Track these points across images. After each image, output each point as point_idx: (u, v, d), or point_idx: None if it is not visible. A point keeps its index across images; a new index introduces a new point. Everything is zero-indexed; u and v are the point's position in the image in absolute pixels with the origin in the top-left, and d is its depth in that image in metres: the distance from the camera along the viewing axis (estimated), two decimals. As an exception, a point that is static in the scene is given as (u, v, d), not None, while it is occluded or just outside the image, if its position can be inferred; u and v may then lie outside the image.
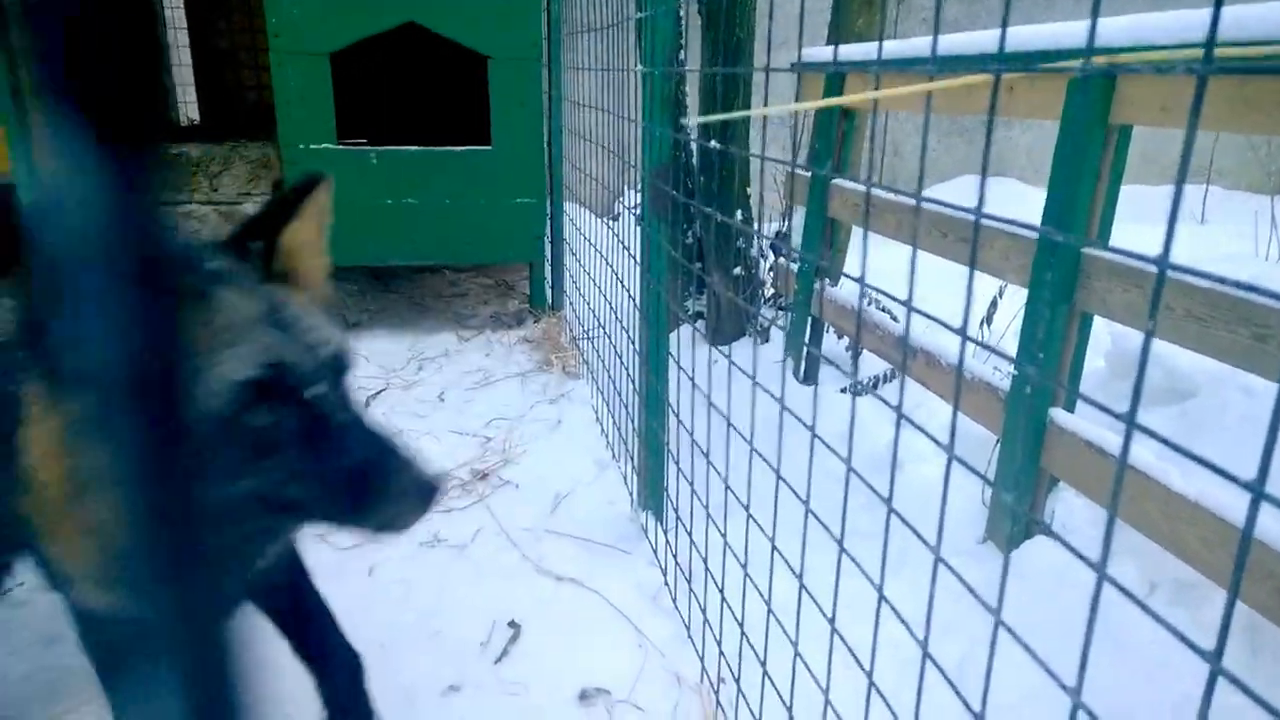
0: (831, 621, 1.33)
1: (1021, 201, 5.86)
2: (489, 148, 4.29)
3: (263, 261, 1.08)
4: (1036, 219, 2.38)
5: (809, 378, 3.76)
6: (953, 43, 2.61)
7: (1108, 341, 3.05)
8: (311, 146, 4.05)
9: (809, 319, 3.77)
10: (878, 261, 1.17)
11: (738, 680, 1.79)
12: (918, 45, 2.94)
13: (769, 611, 1.62)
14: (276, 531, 1.13)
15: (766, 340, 4.08)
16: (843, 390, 3.54)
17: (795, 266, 3.81)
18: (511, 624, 2.21)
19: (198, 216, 4.44)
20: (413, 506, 0.99)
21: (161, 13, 5.78)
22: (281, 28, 3.82)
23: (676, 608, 2.25)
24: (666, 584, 2.35)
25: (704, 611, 2.01)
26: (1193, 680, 1.81)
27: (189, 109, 6.08)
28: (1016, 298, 2.63)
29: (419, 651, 2.10)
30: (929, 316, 1.04)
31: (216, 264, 1.01)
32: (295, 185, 1.16)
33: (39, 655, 2.02)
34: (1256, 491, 0.46)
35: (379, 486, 0.96)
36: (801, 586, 1.44)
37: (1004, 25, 0.84)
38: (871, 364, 3.66)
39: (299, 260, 1.12)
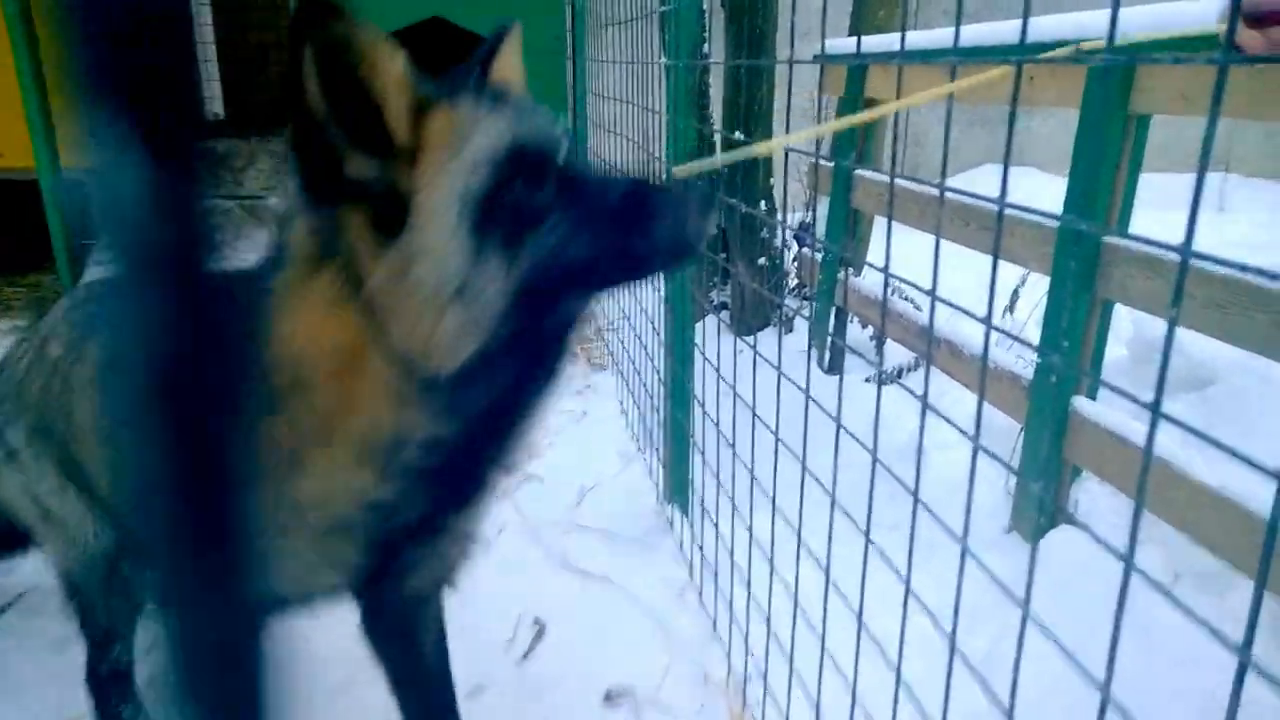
0: (859, 616, 1.34)
1: (1042, 190, 5.80)
2: (511, 141, 4.31)
3: (488, 85, 1.10)
4: (1057, 208, 2.37)
5: (834, 368, 3.77)
6: (974, 33, 2.60)
7: (1129, 329, 3.04)
8: (336, 142, 4.08)
9: (833, 309, 3.77)
10: (900, 250, 1.18)
11: (765, 679, 1.81)
12: (939, 36, 2.94)
13: (795, 606, 1.63)
14: (557, 338, 1.09)
15: (791, 330, 4.09)
16: (867, 380, 3.54)
17: (819, 256, 3.81)
18: (536, 621, 2.23)
19: (222, 211, 4.50)
20: (699, 215, 0.99)
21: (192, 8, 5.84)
22: (305, 24, 3.86)
23: (703, 604, 2.27)
24: (692, 579, 2.37)
25: (730, 607, 2.02)
26: (1220, 671, 1.81)
27: (214, 104, 6.15)
28: (1039, 286, 2.63)
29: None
30: (953, 306, 1.06)
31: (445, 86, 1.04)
32: (493, 33, 1.20)
33: (51, 660, 2.01)
34: (1280, 482, 0.48)
35: (658, 211, 0.98)
36: (828, 580, 1.45)
37: (1025, 16, 0.85)
38: (896, 353, 3.66)
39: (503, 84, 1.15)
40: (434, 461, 1.06)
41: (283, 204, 1.09)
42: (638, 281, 1.05)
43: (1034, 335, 2.75)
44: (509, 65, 1.18)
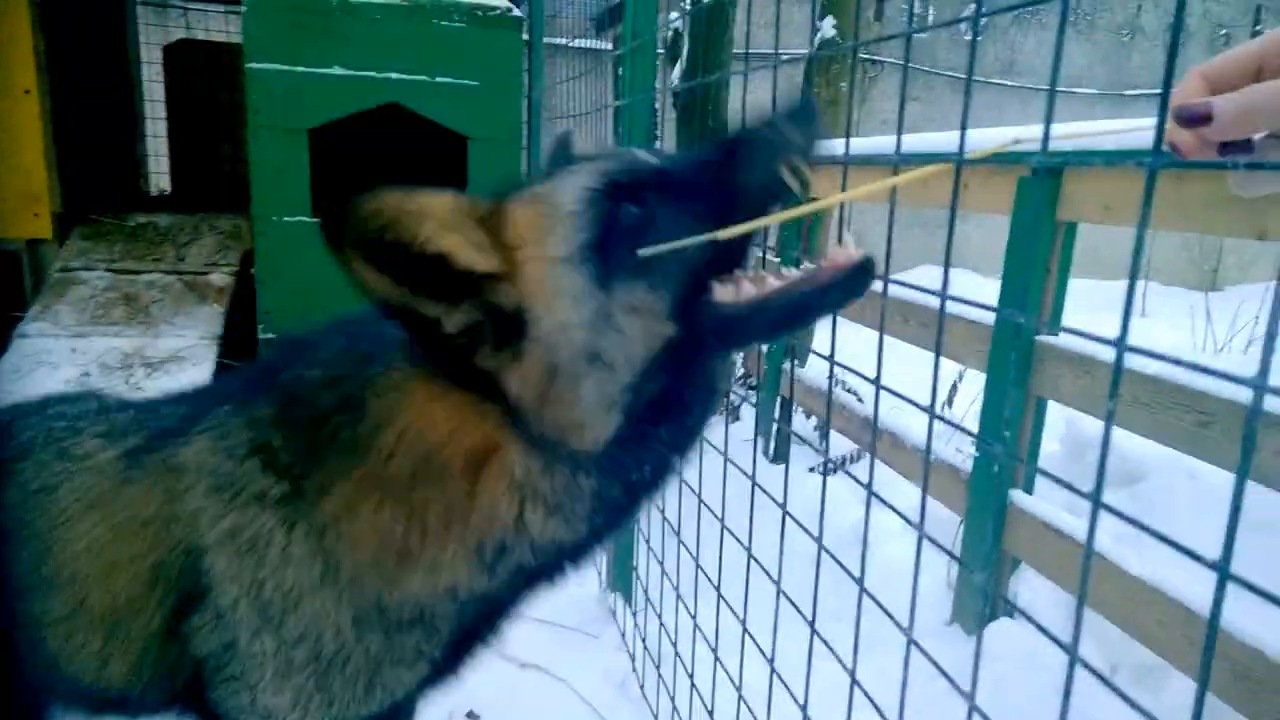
0: (804, 709, 1.32)
1: (978, 291, 6.03)
2: (463, 225, 4.35)
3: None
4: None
5: (779, 456, 3.80)
6: (914, 141, 2.74)
7: (1061, 426, 3.14)
8: (285, 219, 4.08)
9: (778, 399, 3.83)
10: (842, 344, 1.21)
11: (708, 771, 1.76)
12: (880, 143, 3.08)
13: (740, 699, 1.60)
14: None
15: (737, 419, 4.12)
16: (811, 469, 3.57)
17: (764, 347, 3.88)
18: (470, 715, 2.15)
19: (161, 285, 4.42)
20: (806, 120, 0.94)
21: (139, 82, 5.85)
22: (262, 103, 3.89)
23: (645, 696, 2.21)
24: (635, 670, 2.31)
25: (673, 700, 1.98)
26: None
27: (161, 179, 6.10)
28: (975, 382, 2.71)
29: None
30: (900, 395, 1.08)
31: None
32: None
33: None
34: (1223, 571, 0.49)
35: (759, 135, 0.93)
36: (773, 671, 1.44)
37: (964, 126, 0.90)
38: (839, 444, 3.71)
39: None
40: (547, 561, 1.04)
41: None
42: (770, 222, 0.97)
43: (972, 427, 2.82)
44: None
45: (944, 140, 2.64)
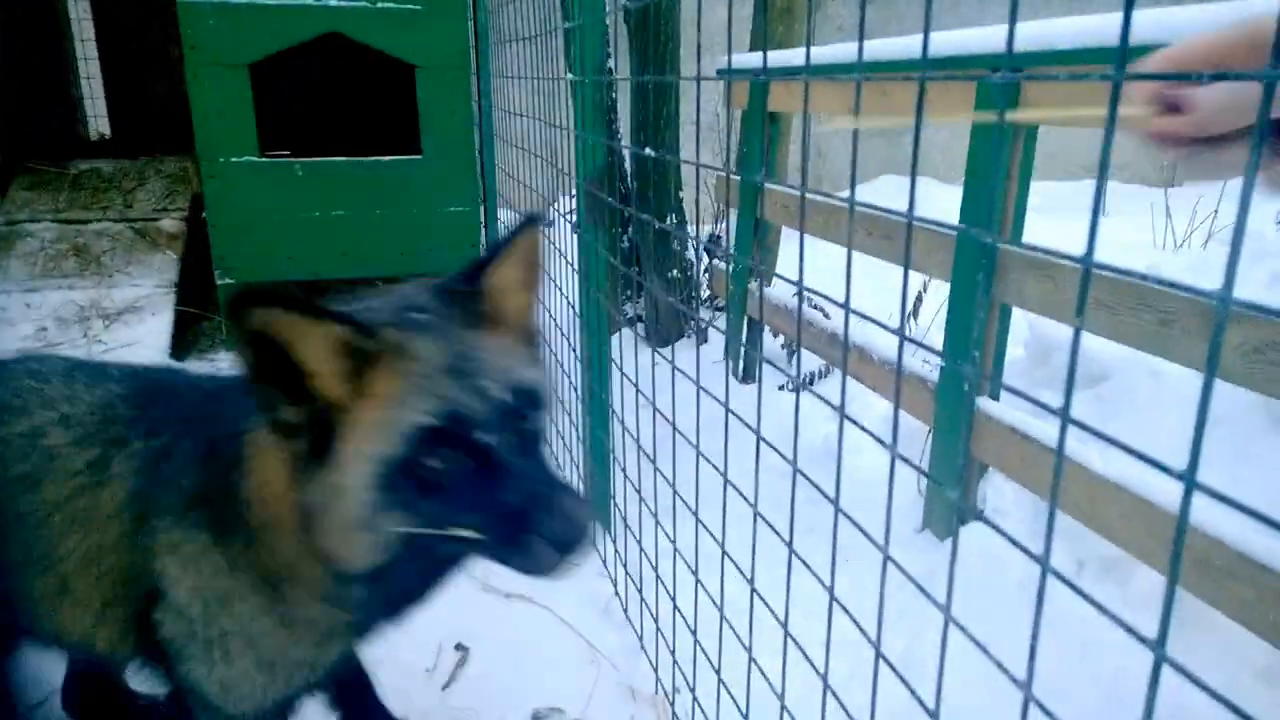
0: (784, 624, 1.35)
1: (940, 199, 6.04)
2: (419, 157, 4.24)
3: (468, 304, 1.15)
4: (953, 215, 2.47)
5: (749, 376, 3.82)
6: (872, 50, 2.69)
7: (1025, 331, 3.17)
8: (232, 160, 3.95)
9: (745, 319, 3.83)
10: (807, 258, 1.21)
11: (693, 689, 1.81)
12: (839, 52, 3.02)
13: (721, 617, 1.64)
14: (451, 561, 1.24)
15: (706, 340, 4.13)
16: (780, 387, 3.60)
17: (729, 268, 3.86)
18: (459, 647, 2.18)
19: (111, 234, 4.28)
20: (548, 560, 1.06)
21: (69, 24, 5.55)
22: (197, 39, 3.71)
23: (628, 618, 2.26)
24: (617, 594, 2.36)
25: (656, 621, 2.02)
26: (1124, 655, 1.90)
27: (99, 123, 5.86)
28: (940, 291, 2.72)
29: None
30: (866, 318, 1.08)
31: (418, 313, 1.10)
32: (509, 230, 1.25)
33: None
34: (1189, 481, 0.50)
35: (522, 534, 1.05)
36: (753, 591, 1.46)
37: (926, 32, 0.87)
38: (806, 360, 3.73)
39: (503, 300, 1.19)
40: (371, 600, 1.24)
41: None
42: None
43: (937, 338, 2.85)
44: (514, 270, 1.22)
45: (902, 46, 2.59)
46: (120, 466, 1.33)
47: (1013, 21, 0.75)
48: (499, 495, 1.06)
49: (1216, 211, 5.11)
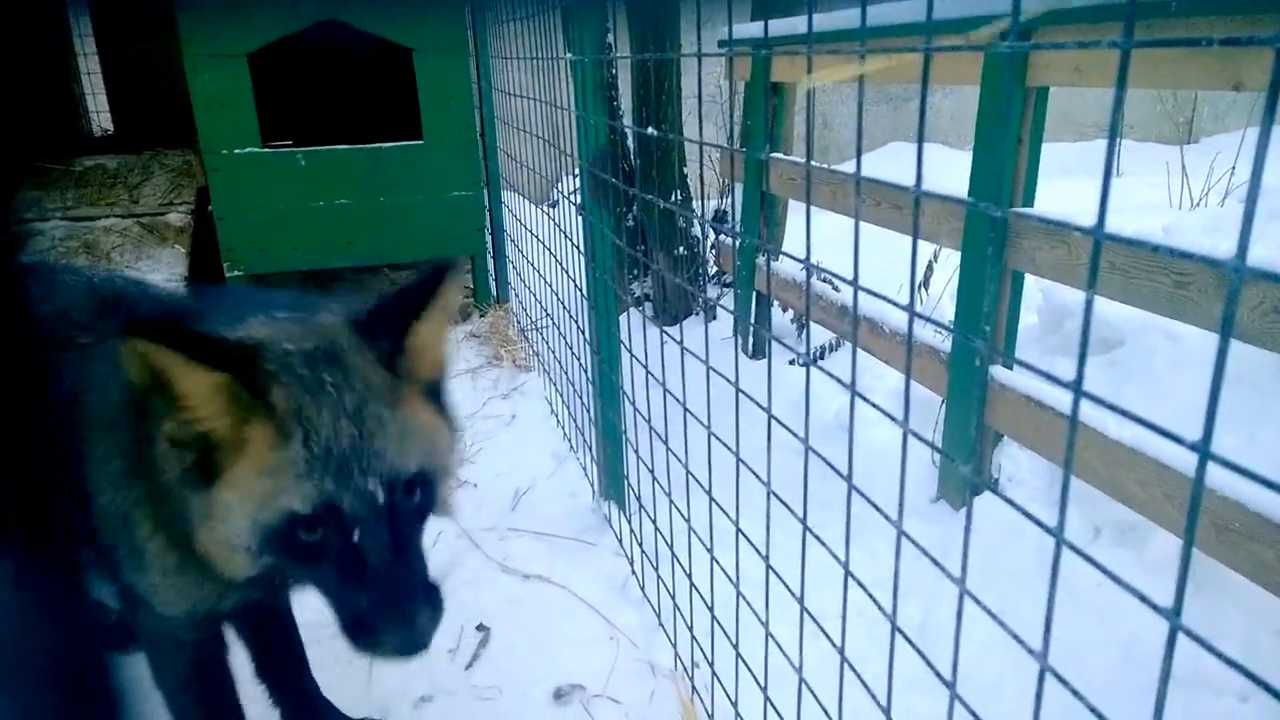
0: (800, 599, 1.35)
1: (949, 165, 5.97)
2: (420, 142, 4.22)
3: (382, 360, 1.16)
4: (963, 182, 2.44)
5: (758, 352, 3.81)
6: (875, 14, 2.65)
7: (1038, 297, 3.14)
8: (235, 151, 3.94)
9: (753, 294, 3.81)
10: (816, 231, 1.19)
11: (711, 664, 1.82)
12: (843, 19, 2.97)
13: (737, 593, 1.64)
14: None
15: (714, 317, 4.11)
16: (791, 362, 3.59)
17: (736, 243, 3.84)
18: (480, 627, 2.20)
19: (119, 230, 4.28)
20: (383, 653, 1.13)
21: (68, 20, 5.53)
22: (195, 31, 3.70)
23: (646, 596, 2.27)
24: (634, 573, 2.37)
25: (674, 598, 2.03)
26: (1139, 620, 1.90)
27: (101, 119, 5.85)
28: (952, 259, 2.69)
29: (387, 664, 2.09)
30: (876, 294, 1.07)
31: (325, 364, 1.12)
32: (422, 278, 1.22)
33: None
34: (1203, 452, 0.49)
35: (365, 628, 1.11)
36: (769, 567, 1.47)
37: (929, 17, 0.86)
38: (816, 334, 3.71)
39: (419, 357, 1.20)
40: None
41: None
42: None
43: (949, 307, 2.83)
44: (434, 327, 1.22)
45: (907, 9, 2.55)
46: (69, 366, 1.34)
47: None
48: (354, 583, 1.11)
49: (1234, 169, 5.03)
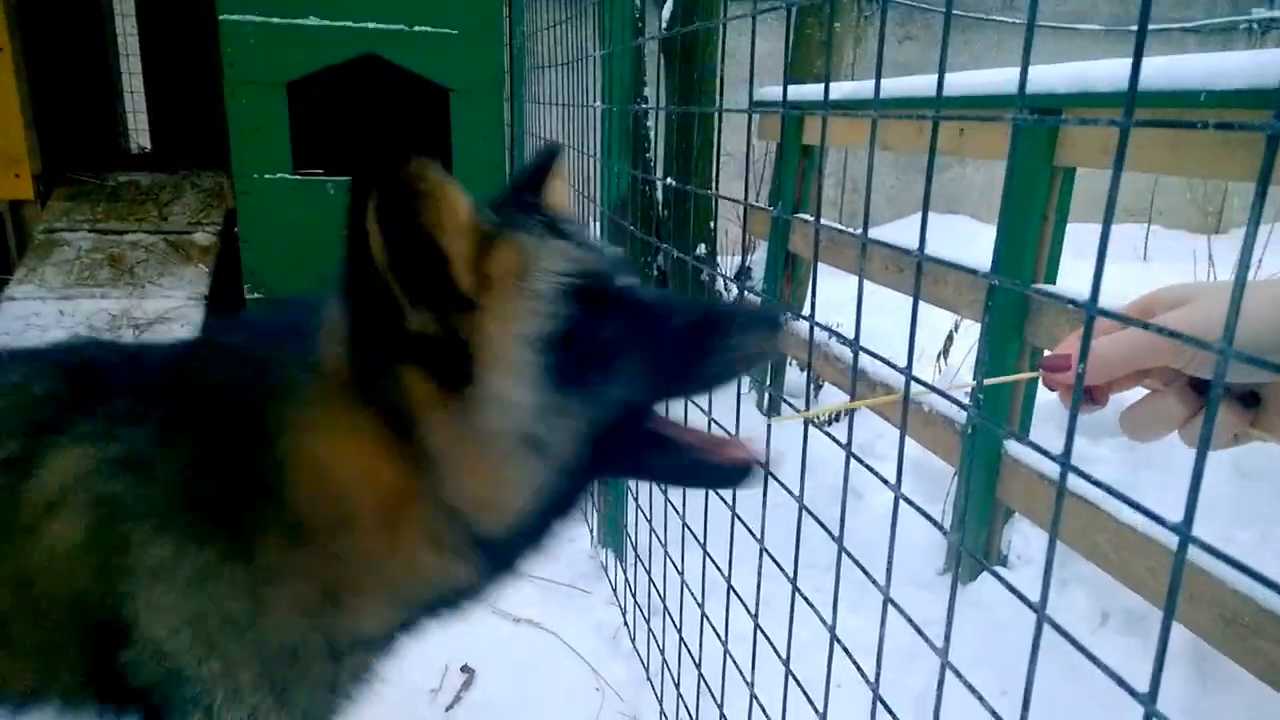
0: (786, 663, 1.32)
1: (975, 238, 5.99)
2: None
3: (536, 212, 1.04)
4: (988, 255, 2.43)
5: (774, 409, 3.79)
6: (908, 85, 2.67)
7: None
8: (266, 176, 4.01)
9: (769, 351, 3.80)
10: (838, 293, 1.19)
11: (695, 721, 1.77)
12: (870, 87, 3.00)
13: (725, 652, 1.61)
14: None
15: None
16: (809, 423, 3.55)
17: (757, 300, 3.84)
18: (465, 668, 2.16)
19: (145, 245, 4.36)
20: (765, 332, 0.97)
21: (114, 38, 5.71)
22: (237, 57, 3.79)
23: (635, 649, 2.22)
24: (626, 624, 2.32)
25: (663, 652, 1.99)
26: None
27: (140, 136, 6.00)
28: (972, 331, 2.68)
29: (365, 701, 2.04)
30: (877, 357, 1.06)
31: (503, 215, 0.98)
32: (540, 155, 1.17)
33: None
34: (1183, 535, 0.47)
35: (728, 339, 0.95)
36: (756, 626, 1.43)
37: (941, 72, 0.86)
38: (832, 394, 3.69)
39: (555, 211, 1.11)
40: (449, 602, 1.10)
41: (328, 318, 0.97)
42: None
43: (967, 377, 2.80)
44: (559, 186, 1.17)
45: (929, 84, 2.57)
46: (53, 461, 0.99)
47: (1025, 61, 0.73)
48: (672, 324, 0.94)
49: (1260, 260, 5.00)
